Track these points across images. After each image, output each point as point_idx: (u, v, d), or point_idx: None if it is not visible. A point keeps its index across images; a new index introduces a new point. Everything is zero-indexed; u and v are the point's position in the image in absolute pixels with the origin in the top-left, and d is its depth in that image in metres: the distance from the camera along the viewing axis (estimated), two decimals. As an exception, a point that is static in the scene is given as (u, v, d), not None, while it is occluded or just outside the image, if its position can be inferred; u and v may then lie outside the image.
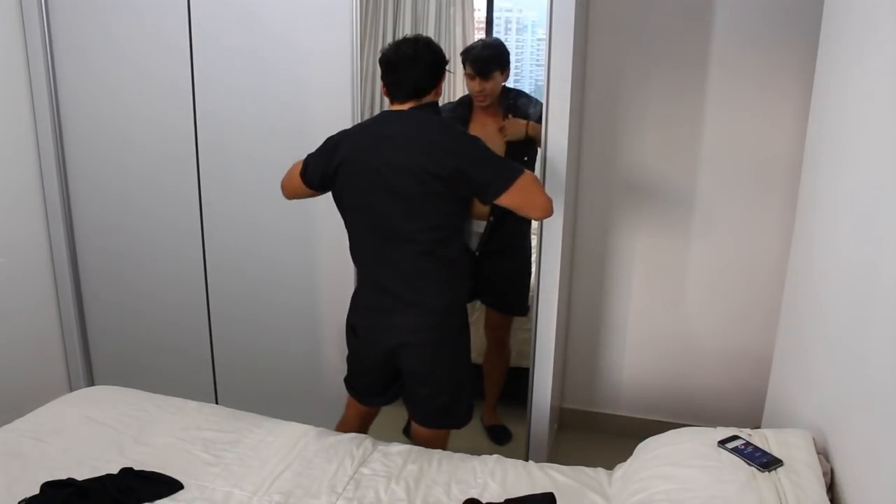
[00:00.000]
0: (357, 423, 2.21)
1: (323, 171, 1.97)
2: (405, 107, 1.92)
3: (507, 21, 2.53)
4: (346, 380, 2.19)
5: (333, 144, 1.97)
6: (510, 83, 2.44)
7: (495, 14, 2.49)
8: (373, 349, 2.05)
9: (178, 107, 2.54)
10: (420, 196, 1.86)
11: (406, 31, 2.42)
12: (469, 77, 2.35)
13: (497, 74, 2.35)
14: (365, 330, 2.05)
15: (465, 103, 2.41)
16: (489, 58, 2.35)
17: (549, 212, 1.91)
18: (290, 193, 2.12)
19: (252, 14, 2.41)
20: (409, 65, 1.88)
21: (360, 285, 2.09)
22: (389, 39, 2.30)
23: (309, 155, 2.02)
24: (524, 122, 2.35)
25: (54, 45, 2.60)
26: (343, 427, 2.20)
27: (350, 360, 2.15)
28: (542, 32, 2.13)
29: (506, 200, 1.86)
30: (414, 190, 1.85)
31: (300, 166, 2.03)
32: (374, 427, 2.26)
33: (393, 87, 1.92)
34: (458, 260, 1.98)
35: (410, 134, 1.88)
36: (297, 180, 2.04)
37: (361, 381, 2.15)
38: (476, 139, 1.91)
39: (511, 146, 2.36)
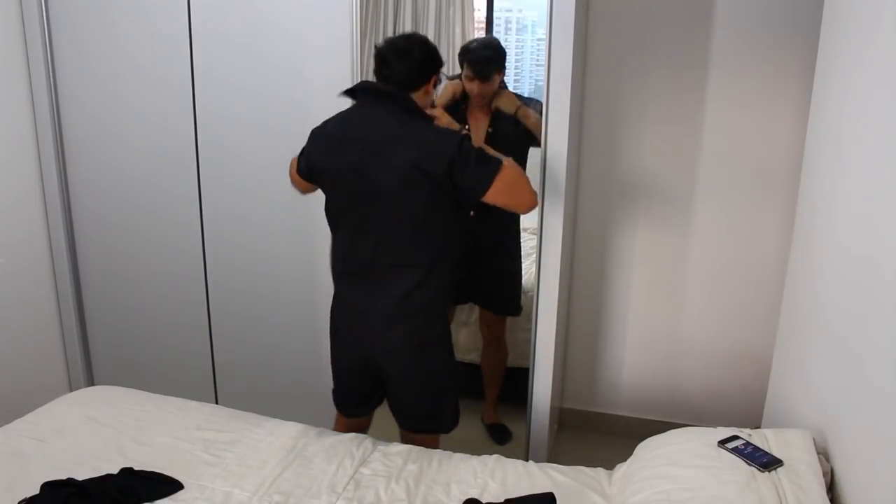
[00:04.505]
0: None
1: (309, 166, 1.96)
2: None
3: (507, 21, 2.53)
4: (333, 391, 2.16)
5: (315, 147, 1.93)
6: (510, 84, 2.44)
7: (495, 14, 2.49)
8: (350, 353, 2.02)
9: (178, 106, 2.54)
10: (405, 195, 1.81)
11: (406, 30, 2.42)
12: (468, 79, 2.35)
13: (496, 76, 2.35)
14: (345, 330, 2.02)
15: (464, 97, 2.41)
16: (489, 59, 2.34)
17: (533, 206, 1.89)
18: (301, 188, 2.09)
19: (252, 12, 2.41)
20: (399, 58, 1.84)
21: (339, 283, 2.01)
22: (389, 39, 2.29)
23: (302, 149, 2.00)
24: (516, 100, 2.35)
25: (54, 45, 2.60)
26: None
27: (333, 365, 2.11)
28: (542, 32, 2.13)
29: (491, 198, 1.81)
30: (399, 189, 1.80)
31: (297, 162, 2.02)
32: (374, 427, 2.25)
33: (381, 80, 1.88)
34: (442, 263, 1.92)
35: (398, 130, 1.80)
36: (296, 174, 2.03)
37: (344, 388, 2.12)
38: (462, 137, 1.81)
39: (506, 141, 2.34)
